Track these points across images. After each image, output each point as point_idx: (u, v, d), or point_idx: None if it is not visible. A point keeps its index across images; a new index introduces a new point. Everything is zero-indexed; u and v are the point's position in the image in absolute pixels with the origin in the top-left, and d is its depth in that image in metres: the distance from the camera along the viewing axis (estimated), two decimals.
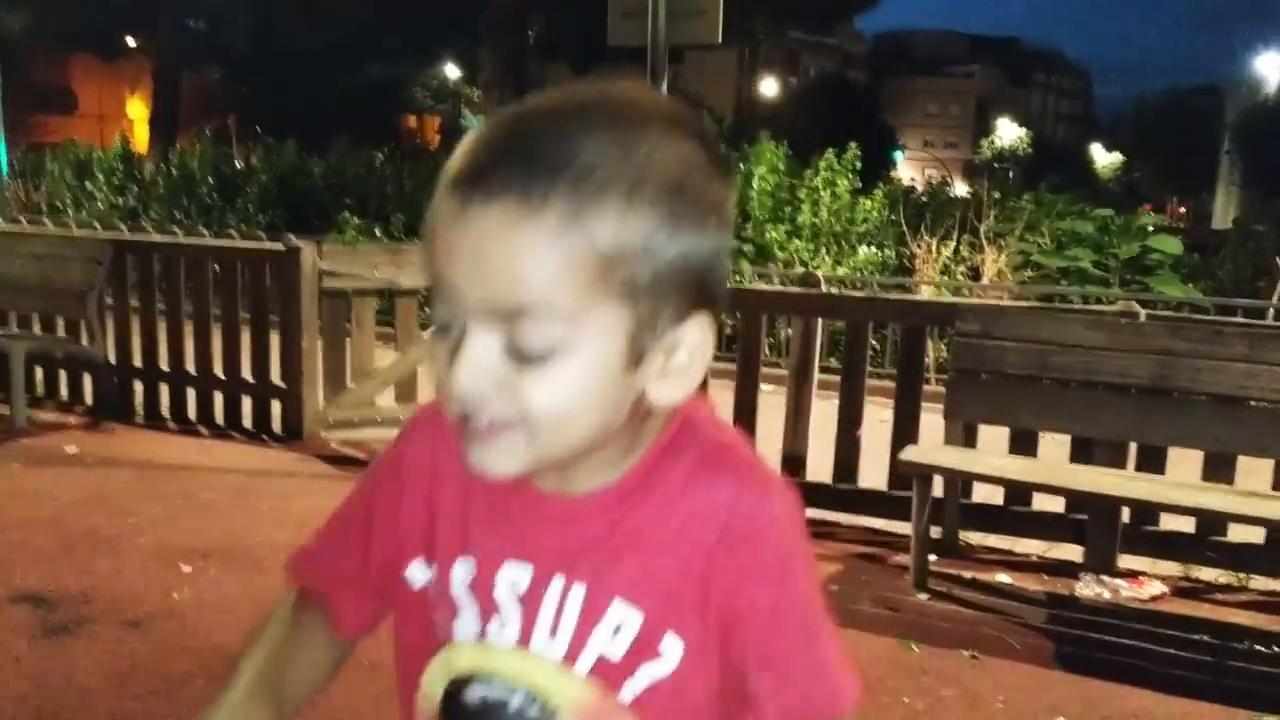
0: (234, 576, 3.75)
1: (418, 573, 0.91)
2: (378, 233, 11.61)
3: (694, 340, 0.78)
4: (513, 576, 0.86)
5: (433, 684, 0.89)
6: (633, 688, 0.83)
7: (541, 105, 0.77)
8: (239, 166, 15.37)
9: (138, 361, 6.07)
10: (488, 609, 0.86)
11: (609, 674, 0.83)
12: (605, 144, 0.73)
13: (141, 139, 26.29)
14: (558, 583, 0.84)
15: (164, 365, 6.01)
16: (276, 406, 5.76)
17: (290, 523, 4.28)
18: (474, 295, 0.73)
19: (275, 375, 5.73)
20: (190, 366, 5.95)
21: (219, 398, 5.93)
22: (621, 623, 0.82)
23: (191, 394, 5.99)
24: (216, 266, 5.91)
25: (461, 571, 0.87)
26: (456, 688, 0.87)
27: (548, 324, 0.72)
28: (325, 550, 0.96)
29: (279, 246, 5.83)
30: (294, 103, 28.72)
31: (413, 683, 0.91)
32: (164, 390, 6.06)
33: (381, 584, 0.93)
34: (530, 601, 0.85)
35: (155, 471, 5.05)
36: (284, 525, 4.26)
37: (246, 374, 5.82)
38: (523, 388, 0.74)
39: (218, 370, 5.89)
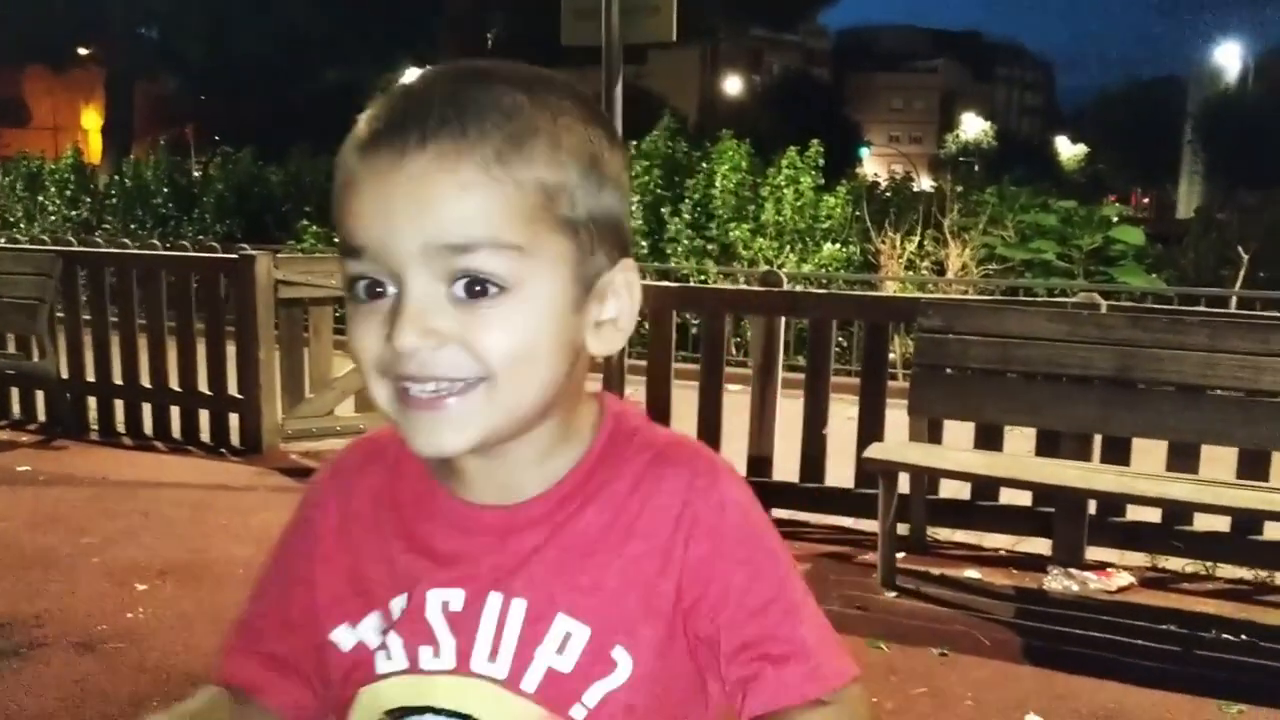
0: (192, 594, 3.68)
1: (344, 637, 0.85)
2: (335, 240, 11.50)
3: (622, 286, 0.79)
4: (443, 598, 0.81)
5: None
6: (588, 700, 0.79)
7: (445, 70, 0.77)
8: (195, 176, 15.19)
9: (91, 376, 5.97)
10: (416, 636, 0.81)
11: (562, 686, 0.79)
12: (521, 97, 0.74)
13: (95, 150, 25.94)
14: (495, 600, 0.80)
15: (118, 379, 5.91)
16: (234, 419, 5.68)
17: (249, 538, 4.20)
18: (414, 244, 0.71)
19: (232, 387, 5.65)
20: (145, 380, 5.85)
21: (175, 411, 5.84)
22: (568, 635, 0.79)
23: (147, 408, 5.89)
24: (170, 278, 5.81)
25: (397, 612, 0.83)
26: None
27: (499, 256, 0.71)
28: (250, 641, 0.90)
29: (233, 256, 5.75)
30: (251, 110, 28.46)
31: None
32: (118, 405, 5.96)
33: (309, 659, 0.88)
34: (465, 623, 0.80)
35: (110, 488, 4.96)
36: (243, 540, 4.18)
37: (203, 387, 5.73)
38: (475, 333, 0.72)
39: (173, 383, 5.79)
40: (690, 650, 0.81)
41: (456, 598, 0.81)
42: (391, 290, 0.73)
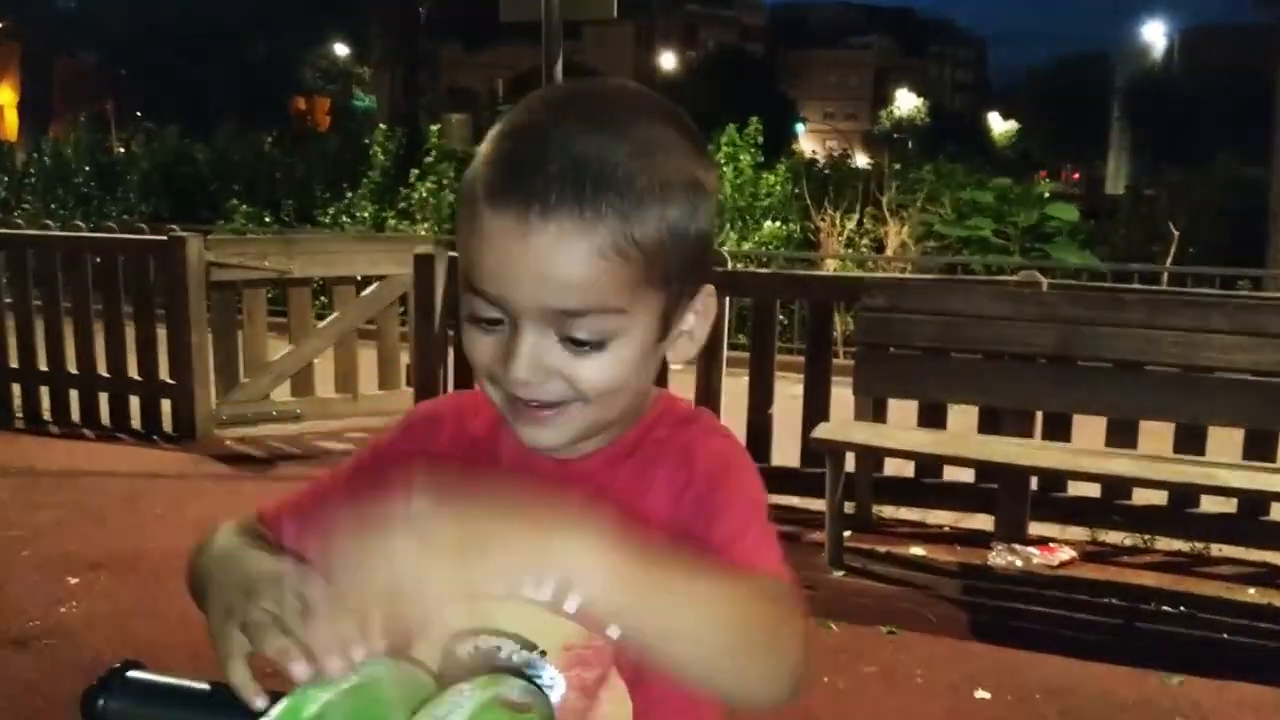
0: (127, 587, 3.59)
1: None
2: (268, 219, 11.27)
3: (701, 306, 0.90)
4: None
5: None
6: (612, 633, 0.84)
7: (567, 112, 0.83)
8: (118, 154, 14.77)
9: (14, 363, 5.78)
10: None
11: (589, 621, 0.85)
12: (637, 150, 0.81)
13: (10, 126, 25.10)
14: None
15: (43, 365, 5.73)
16: (166, 405, 5.54)
17: (186, 527, 4.09)
18: (533, 302, 0.80)
19: (164, 372, 5.51)
20: (72, 366, 5.67)
21: (104, 398, 5.68)
22: None
23: (74, 395, 5.72)
24: (96, 260, 5.63)
25: None
26: (450, 643, 0.89)
27: (603, 320, 0.81)
28: (298, 512, 0.95)
29: (162, 238, 5.59)
30: (175, 86, 27.72)
31: None
32: (44, 392, 5.77)
33: None
34: None
35: (38, 479, 4.82)
36: (179, 530, 4.07)
37: (133, 372, 5.57)
38: (578, 372, 0.83)
39: (101, 369, 5.63)
40: None
41: None
42: (503, 328, 0.83)
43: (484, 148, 0.84)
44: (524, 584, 0.74)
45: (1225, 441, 4.01)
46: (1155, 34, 51.63)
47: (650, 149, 0.82)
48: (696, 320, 0.90)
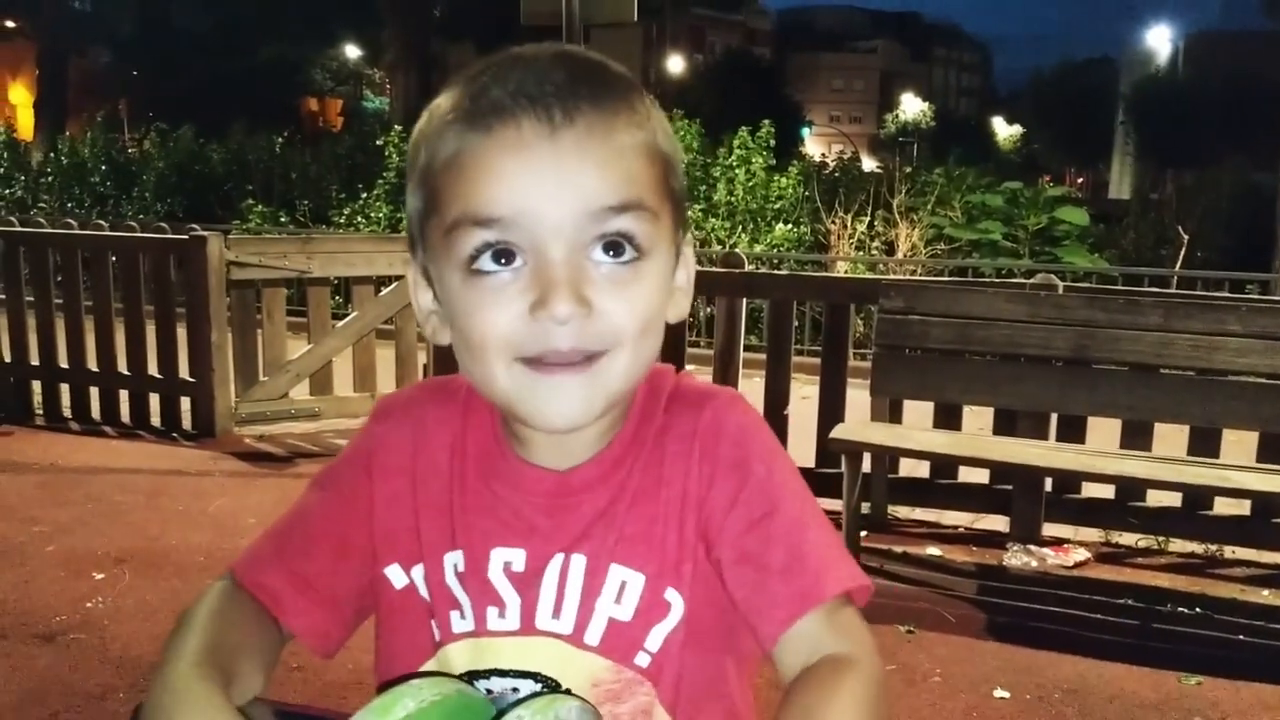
0: (150, 583, 3.62)
1: (396, 575, 0.87)
2: (283, 219, 11.31)
3: (688, 256, 0.86)
4: (506, 558, 0.83)
5: None
6: (650, 646, 0.82)
7: (537, 48, 0.79)
8: (130, 153, 14.80)
9: (35, 360, 5.82)
10: (483, 597, 0.83)
11: (623, 635, 0.81)
12: (621, 71, 0.80)
13: (26, 126, 25.15)
14: (557, 560, 0.82)
15: (63, 363, 5.77)
16: (186, 403, 5.58)
17: (207, 524, 4.13)
18: (565, 211, 0.73)
19: (184, 370, 5.55)
20: (92, 364, 5.71)
21: (124, 395, 5.71)
22: (624, 583, 0.82)
23: (95, 392, 5.76)
24: (116, 258, 5.67)
25: (451, 566, 0.85)
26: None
27: (643, 220, 0.76)
28: (278, 552, 0.87)
29: (183, 237, 5.63)
30: (188, 86, 27.77)
31: None
32: (64, 390, 5.82)
33: (349, 589, 0.87)
34: (528, 582, 0.83)
35: (60, 475, 4.85)
36: (200, 527, 4.11)
37: (153, 370, 5.61)
38: (614, 304, 0.75)
39: (122, 367, 5.67)
40: (718, 577, 0.82)
41: (518, 558, 0.83)
42: (520, 261, 0.74)
43: (454, 91, 0.78)
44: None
45: (1239, 444, 4.04)
46: (1161, 39, 51.55)
47: (627, 74, 0.80)
48: (686, 272, 0.85)
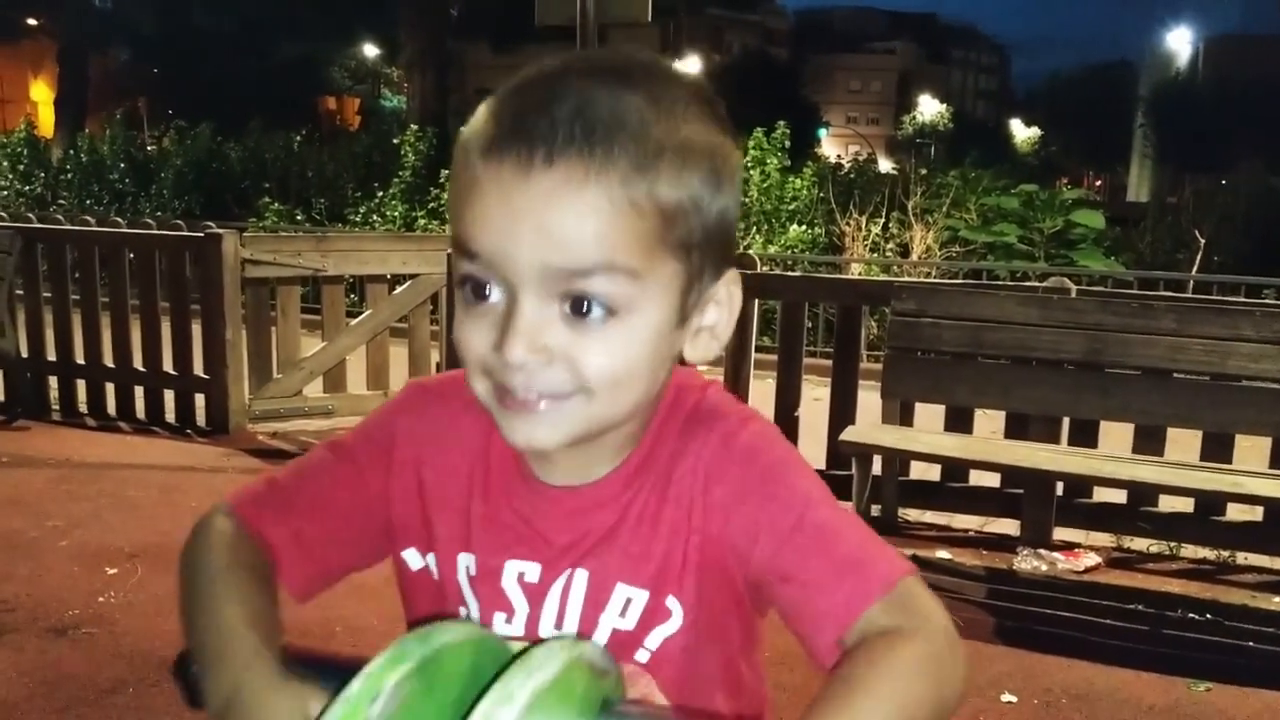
0: (163, 578, 3.63)
1: (413, 558, 0.90)
2: (299, 217, 11.37)
3: (724, 297, 0.80)
4: (520, 569, 0.85)
5: None
6: (649, 644, 0.84)
7: (572, 67, 0.75)
8: (151, 151, 14.90)
9: (52, 355, 5.86)
10: (494, 603, 0.85)
11: (624, 639, 0.83)
12: (652, 105, 0.73)
13: (47, 123, 25.31)
14: (564, 575, 0.85)
15: (80, 359, 5.81)
16: (200, 399, 5.61)
17: None
18: (534, 260, 0.71)
19: (198, 367, 5.58)
20: (108, 360, 5.75)
21: (139, 392, 5.75)
22: (629, 600, 0.83)
23: (110, 388, 5.80)
24: (132, 255, 5.71)
25: (464, 566, 0.86)
26: None
27: (615, 283, 0.72)
28: (286, 505, 0.88)
29: (199, 235, 5.66)
30: (207, 85, 27.93)
31: None
32: (80, 385, 5.86)
33: (341, 559, 0.89)
34: (538, 594, 0.85)
35: (75, 470, 4.88)
36: None
37: (168, 366, 5.65)
38: (582, 355, 0.73)
39: (137, 363, 5.71)
40: (732, 593, 0.83)
41: (532, 570, 0.85)
42: (497, 296, 0.74)
43: (483, 107, 0.76)
44: None
45: (1252, 449, 4.02)
46: (1180, 42, 51.32)
47: (670, 107, 0.74)
48: (718, 313, 0.81)
